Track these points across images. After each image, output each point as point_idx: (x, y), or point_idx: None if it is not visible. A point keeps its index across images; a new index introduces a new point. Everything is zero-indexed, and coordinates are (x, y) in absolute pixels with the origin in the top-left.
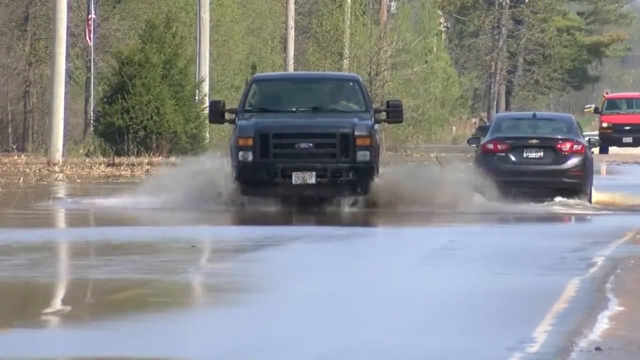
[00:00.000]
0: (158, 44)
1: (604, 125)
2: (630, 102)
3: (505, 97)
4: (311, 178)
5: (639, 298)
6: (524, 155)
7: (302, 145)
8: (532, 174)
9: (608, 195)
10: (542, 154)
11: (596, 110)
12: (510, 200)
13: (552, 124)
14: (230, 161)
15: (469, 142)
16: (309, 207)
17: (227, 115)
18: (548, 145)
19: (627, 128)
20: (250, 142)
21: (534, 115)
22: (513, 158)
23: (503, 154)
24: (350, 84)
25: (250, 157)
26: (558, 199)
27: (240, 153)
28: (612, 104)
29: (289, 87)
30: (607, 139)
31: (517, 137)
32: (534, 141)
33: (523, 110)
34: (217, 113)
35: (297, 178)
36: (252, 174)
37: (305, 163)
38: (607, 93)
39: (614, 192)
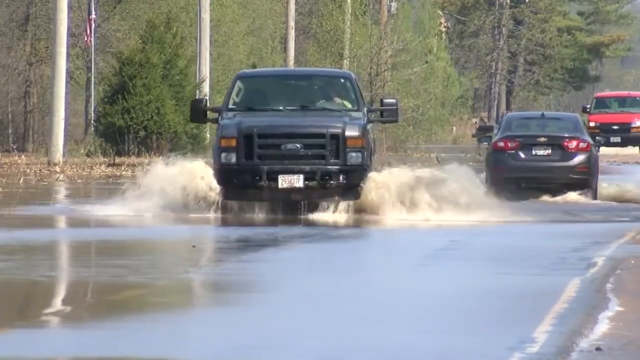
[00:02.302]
0: (158, 44)
1: (592, 124)
2: (618, 102)
3: (505, 97)
4: (298, 181)
5: None
6: (533, 152)
7: (289, 146)
8: (540, 170)
9: (613, 191)
10: (550, 151)
11: (584, 110)
12: (518, 197)
13: (560, 123)
14: (213, 163)
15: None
16: (297, 212)
17: (211, 115)
18: (556, 143)
19: (615, 127)
20: (233, 142)
21: (543, 114)
22: (522, 155)
23: (513, 152)
24: (342, 80)
25: (233, 159)
26: (565, 195)
27: (223, 154)
28: (601, 103)
29: (276, 84)
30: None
31: (527, 135)
32: (543, 139)
33: (524, 110)
34: (199, 112)
35: (283, 181)
36: (235, 177)
37: (292, 165)
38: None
39: (619, 189)
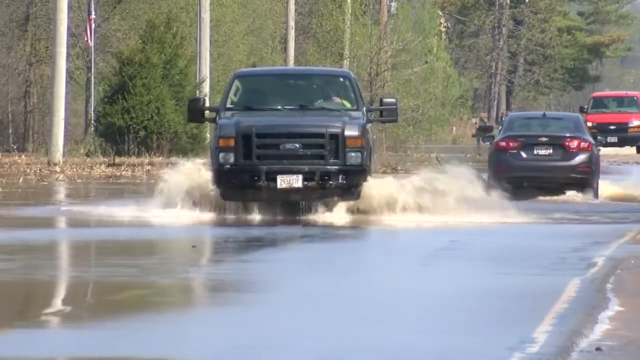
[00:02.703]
0: (158, 44)
1: (589, 124)
2: (615, 101)
3: (505, 97)
4: (297, 182)
5: None
6: (535, 152)
7: (288, 146)
8: (542, 170)
9: (615, 190)
10: (551, 151)
11: (582, 110)
12: (520, 196)
13: (561, 123)
14: (210, 163)
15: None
16: (296, 213)
17: (209, 114)
18: (557, 143)
19: (612, 127)
20: (231, 142)
21: (544, 114)
22: (524, 155)
23: (515, 151)
24: (341, 79)
25: (231, 159)
26: (567, 194)
27: (221, 155)
28: (598, 103)
29: (274, 83)
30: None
31: (528, 135)
32: (544, 139)
33: (524, 110)
34: (196, 111)
35: (282, 182)
36: (233, 177)
37: (291, 165)
38: None
39: (620, 188)
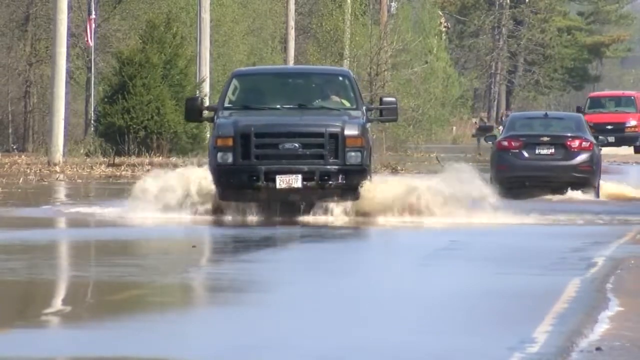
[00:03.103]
0: (158, 44)
1: None
2: (612, 101)
3: (505, 97)
4: (297, 182)
5: None
6: (536, 151)
7: (287, 145)
8: (543, 169)
9: (615, 190)
10: (553, 150)
11: (579, 109)
12: (521, 195)
13: (563, 122)
14: (208, 163)
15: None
16: (295, 213)
17: (207, 114)
18: (559, 143)
19: (609, 127)
20: (229, 142)
21: (546, 114)
22: (526, 154)
23: (517, 151)
24: (340, 78)
25: (230, 158)
26: (568, 193)
27: (219, 154)
28: (595, 103)
29: (273, 83)
30: None
31: (530, 134)
32: (546, 139)
33: (524, 110)
34: (194, 111)
35: (281, 181)
36: (231, 177)
37: (290, 165)
38: None
39: (621, 187)
